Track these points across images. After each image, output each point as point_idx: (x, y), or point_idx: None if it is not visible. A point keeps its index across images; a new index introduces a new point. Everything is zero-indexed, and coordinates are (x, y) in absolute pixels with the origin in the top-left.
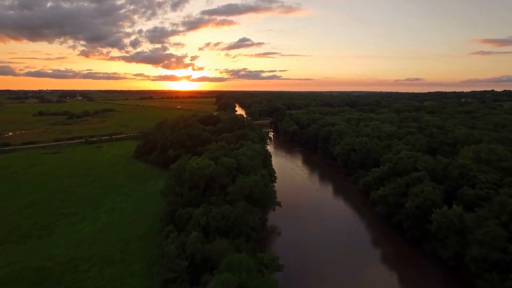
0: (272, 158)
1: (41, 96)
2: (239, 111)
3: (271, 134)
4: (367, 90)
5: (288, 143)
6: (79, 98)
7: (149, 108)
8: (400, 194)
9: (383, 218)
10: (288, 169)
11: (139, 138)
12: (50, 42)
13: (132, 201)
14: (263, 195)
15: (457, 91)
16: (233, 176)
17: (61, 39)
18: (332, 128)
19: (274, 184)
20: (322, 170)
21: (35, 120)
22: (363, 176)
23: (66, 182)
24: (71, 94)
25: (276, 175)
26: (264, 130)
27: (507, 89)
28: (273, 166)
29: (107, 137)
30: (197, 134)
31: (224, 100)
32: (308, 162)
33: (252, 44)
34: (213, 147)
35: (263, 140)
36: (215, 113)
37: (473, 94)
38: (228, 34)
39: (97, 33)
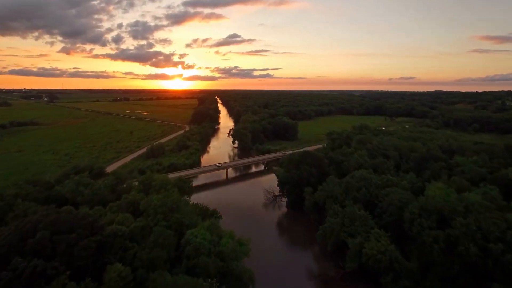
0: None
1: None
2: (225, 121)
3: (280, 209)
4: (362, 89)
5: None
6: (45, 99)
7: (100, 116)
8: None
9: None
10: None
11: None
12: (24, 37)
13: None
14: None
15: (452, 90)
16: None
17: (35, 34)
18: None
19: None
20: None
21: None
22: None
23: None
24: (37, 94)
25: None
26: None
27: (501, 89)
28: None
29: None
30: None
31: (203, 107)
32: None
33: (243, 41)
34: None
35: None
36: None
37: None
38: (217, 29)
39: (73, 27)
